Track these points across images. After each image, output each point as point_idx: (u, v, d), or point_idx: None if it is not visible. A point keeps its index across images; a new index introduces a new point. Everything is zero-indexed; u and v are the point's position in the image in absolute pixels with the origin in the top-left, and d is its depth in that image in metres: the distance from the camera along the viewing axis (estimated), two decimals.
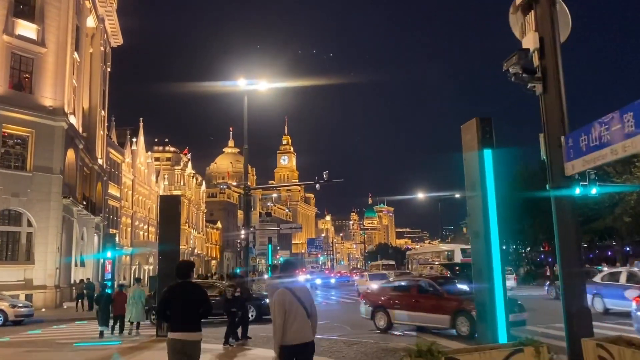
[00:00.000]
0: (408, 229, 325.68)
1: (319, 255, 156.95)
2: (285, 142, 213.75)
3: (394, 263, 52.42)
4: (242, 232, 55.78)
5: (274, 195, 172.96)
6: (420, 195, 68.12)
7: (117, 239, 45.05)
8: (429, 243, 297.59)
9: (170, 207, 15.17)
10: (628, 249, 49.07)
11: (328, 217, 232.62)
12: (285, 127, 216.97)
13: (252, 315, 17.46)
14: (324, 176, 28.52)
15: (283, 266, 6.61)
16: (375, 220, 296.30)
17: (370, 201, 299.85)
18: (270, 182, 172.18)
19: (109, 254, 24.16)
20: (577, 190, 28.71)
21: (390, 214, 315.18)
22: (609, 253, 52.98)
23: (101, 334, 16.20)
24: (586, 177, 31.12)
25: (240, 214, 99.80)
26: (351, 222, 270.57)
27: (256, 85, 28.99)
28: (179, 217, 15.41)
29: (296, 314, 5.56)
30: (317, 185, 28.92)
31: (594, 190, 32.65)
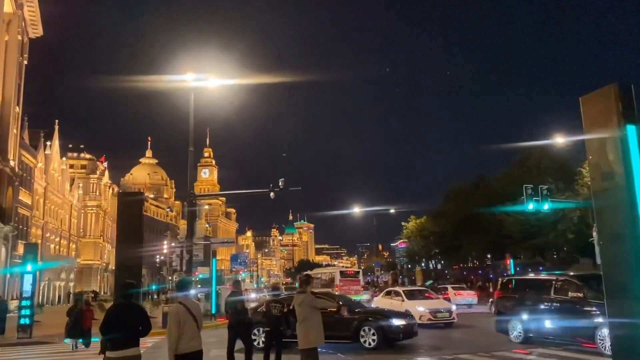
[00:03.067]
0: (327, 245, 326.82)
1: (242, 272, 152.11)
2: (206, 154, 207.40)
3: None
4: (166, 246, 52.03)
5: (194, 209, 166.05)
6: (341, 211, 66.88)
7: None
8: (347, 259, 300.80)
9: (131, 206, 12.19)
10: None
11: (249, 233, 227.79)
12: (207, 139, 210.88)
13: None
14: (280, 184, 26.16)
15: (179, 284, 7.18)
16: (295, 236, 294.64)
17: (290, 217, 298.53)
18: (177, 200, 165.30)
19: (29, 267, 20.23)
20: (531, 206, 27.78)
21: (311, 230, 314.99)
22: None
23: (75, 345, 16.46)
24: (539, 193, 31.22)
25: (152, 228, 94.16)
26: (272, 239, 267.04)
27: (204, 80, 26.20)
28: (141, 218, 12.41)
29: (189, 325, 6.42)
30: (272, 194, 26.47)
31: (546, 206, 33.05)
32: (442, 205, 55.80)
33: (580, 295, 12.72)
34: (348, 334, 13.79)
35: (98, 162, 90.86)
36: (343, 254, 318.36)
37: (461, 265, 65.99)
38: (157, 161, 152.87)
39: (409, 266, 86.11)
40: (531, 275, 16.98)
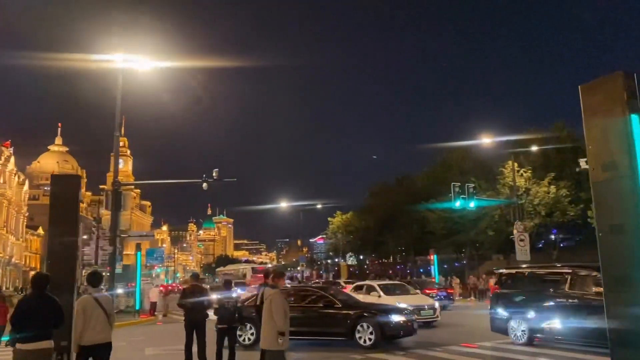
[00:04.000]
0: (246, 241, 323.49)
1: (157, 267, 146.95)
2: (122, 143, 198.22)
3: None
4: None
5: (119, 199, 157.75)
6: (263, 206, 66.57)
7: None
8: (266, 255, 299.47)
9: (66, 190, 10.86)
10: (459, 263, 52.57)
11: (165, 227, 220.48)
12: (122, 128, 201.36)
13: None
14: (214, 174, 25.00)
15: (92, 278, 7.18)
16: (213, 231, 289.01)
17: (209, 211, 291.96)
18: (101, 186, 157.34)
19: None
20: (458, 203, 28.25)
21: (230, 225, 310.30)
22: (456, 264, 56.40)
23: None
24: (466, 191, 32.23)
25: None
26: (189, 233, 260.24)
27: (134, 62, 24.49)
28: (77, 203, 11.14)
29: (98, 318, 6.51)
30: (204, 185, 25.26)
31: (472, 204, 34.18)
32: (367, 201, 56.85)
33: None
34: (343, 330, 12.89)
35: (2, 147, 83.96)
36: (262, 250, 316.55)
37: (381, 260, 67.58)
38: (67, 149, 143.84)
39: (329, 261, 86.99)
40: (538, 269, 14.37)
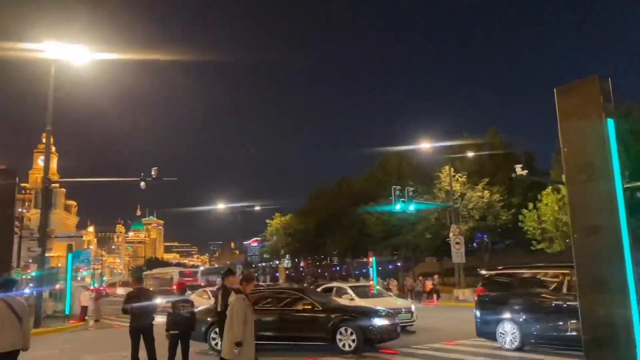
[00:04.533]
0: (177, 243, 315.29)
1: (83, 270, 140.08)
2: (45, 140, 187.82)
3: None
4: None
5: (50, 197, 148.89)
6: (195, 208, 65.20)
7: None
8: (198, 257, 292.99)
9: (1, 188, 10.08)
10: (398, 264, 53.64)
11: (91, 228, 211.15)
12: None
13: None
14: (153, 173, 23.99)
15: (4, 282, 6.76)
16: (143, 233, 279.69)
17: (139, 212, 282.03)
18: (24, 184, 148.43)
19: None
20: (398, 206, 28.39)
21: (160, 227, 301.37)
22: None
23: None
24: (406, 194, 32.81)
25: None
26: (116, 235, 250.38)
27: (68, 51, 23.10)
28: (14, 200, 10.40)
29: (10, 324, 6.22)
30: (142, 184, 24.20)
31: (411, 207, 34.82)
32: (307, 203, 56.81)
33: None
34: (323, 334, 12.21)
35: None
36: (194, 252, 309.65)
37: (318, 262, 67.71)
38: None
39: (265, 264, 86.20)
40: (529, 269, 13.34)
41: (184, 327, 9.47)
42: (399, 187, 31.71)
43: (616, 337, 5.60)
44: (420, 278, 39.38)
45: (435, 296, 34.42)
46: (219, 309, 8.62)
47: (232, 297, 7.27)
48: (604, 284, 5.74)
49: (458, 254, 34.50)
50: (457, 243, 34.84)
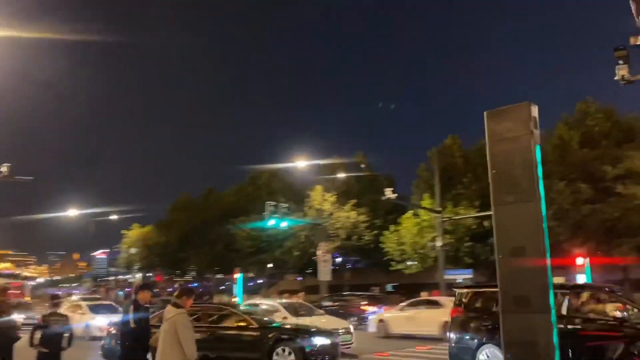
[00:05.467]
0: (12, 252, 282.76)
1: None
2: None
3: None
4: None
5: None
6: (36, 215, 58.35)
7: None
8: (34, 268, 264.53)
9: None
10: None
11: None
12: None
13: None
14: (3, 169, 21.03)
15: None
16: None
17: None
18: None
19: None
20: (272, 222, 28.40)
21: None
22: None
23: None
24: (279, 210, 32.79)
25: None
26: None
27: None
28: None
29: None
30: None
31: (284, 223, 34.92)
32: (170, 215, 54.19)
33: (619, 313, 9.50)
34: (258, 355, 11.23)
35: None
36: (31, 263, 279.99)
37: (174, 277, 64.59)
38: None
39: (116, 278, 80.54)
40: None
41: (55, 345, 8.16)
42: (273, 203, 31.57)
43: (537, 356, 5.76)
44: (287, 295, 39.36)
45: None
46: (132, 325, 7.67)
47: (173, 313, 6.45)
48: (527, 304, 5.90)
49: (325, 272, 35.03)
50: (324, 261, 35.41)
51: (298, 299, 36.55)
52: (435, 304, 20.75)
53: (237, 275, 39.97)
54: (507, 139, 6.29)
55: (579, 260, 24.96)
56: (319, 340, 11.73)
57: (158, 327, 7.65)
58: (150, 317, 8.49)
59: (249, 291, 46.32)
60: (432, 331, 18.24)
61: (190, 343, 6.18)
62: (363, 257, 46.15)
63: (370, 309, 27.32)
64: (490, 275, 42.56)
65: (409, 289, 41.13)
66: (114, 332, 12.43)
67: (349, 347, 15.15)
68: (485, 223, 36.79)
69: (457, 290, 12.56)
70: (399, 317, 21.26)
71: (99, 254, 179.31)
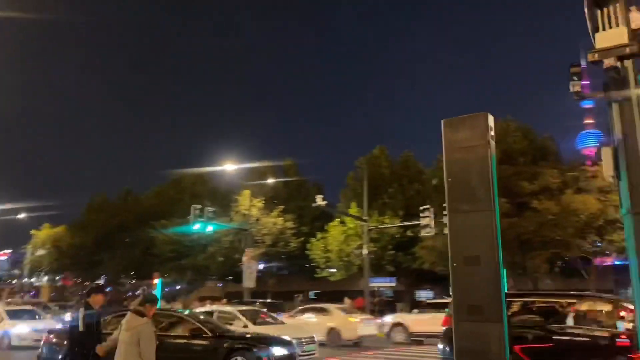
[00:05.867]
0: None
1: None
2: None
3: None
4: None
5: None
6: None
7: None
8: None
9: None
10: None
11: None
12: None
13: None
14: None
15: None
16: None
17: None
18: None
19: None
20: (197, 226, 27.75)
21: None
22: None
23: None
24: (204, 214, 31.87)
25: None
26: None
27: None
28: None
29: None
30: None
31: (210, 228, 33.94)
32: (84, 216, 51.19)
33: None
34: None
35: None
36: None
37: (84, 282, 60.99)
38: None
39: (18, 281, 74.95)
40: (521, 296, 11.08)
41: None
42: (199, 207, 30.61)
43: None
44: (209, 301, 38.34)
45: None
46: (80, 328, 6.92)
47: (136, 322, 5.93)
48: (480, 312, 5.91)
49: (250, 278, 34.41)
50: (249, 267, 34.84)
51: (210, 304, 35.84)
52: (323, 310, 21.40)
53: (157, 281, 38.51)
54: (464, 148, 6.31)
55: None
56: (277, 350, 11.23)
57: (109, 334, 7.05)
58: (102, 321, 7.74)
59: (167, 297, 44.68)
60: (320, 337, 17.61)
61: (153, 354, 5.80)
62: (288, 264, 45.86)
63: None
64: (410, 283, 44.11)
65: (332, 296, 41.38)
66: (54, 340, 11.40)
67: (312, 357, 14.61)
68: (409, 232, 37.85)
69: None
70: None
71: (0, 255, 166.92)
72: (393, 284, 39.41)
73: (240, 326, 14.69)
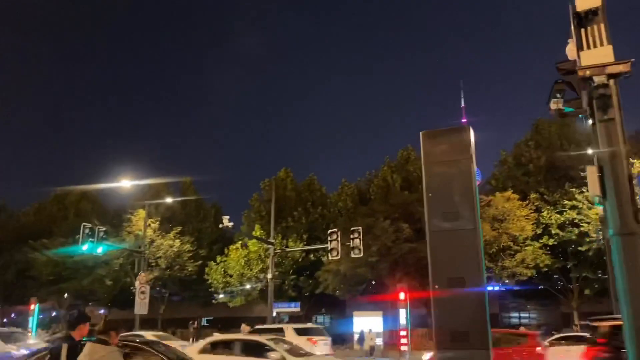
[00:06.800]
0: None
1: None
2: None
3: None
4: None
5: None
6: None
7: None
8: None
9: None
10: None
11: None
12: None
13: None
14: None
15: None
16: None
17: None
18: None
19: None
20: (86, 247, 25.77)
21: None
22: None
23: None
24: (96, 234, 29.26)
25: None
26: None
27: None
28: None
29: None
30: None
31: (100, 249, 31.16)
32: None
33: None
34: None
35: None
36: None
37: None
38: None
39: None
40: None
41: None
42: (90, 225, 28.03)
43: None
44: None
45: None
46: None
47: (101, 352, 5.00)
48: (465, 339, 5.45)
49: (142, 304, 31.92)
50: (142, 292, 32.31)
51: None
52: None
53: (34, 307, 34.68)
54: (444, 162, 5.92)
55: (401, 295, 26.33)
56: None
57: None
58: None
59: (42, 325, 40.31)
60: None
61: None
62: (183, 288, 43.31)
63: None
64: (309, 308, 43.52)
65: (227, 323, 39.60)
66: None
67: None
68: (311, 256, 37.47)
69: (599, 324, 9.85)
70: None
71: None
72: (297, 309, 38.62)
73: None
